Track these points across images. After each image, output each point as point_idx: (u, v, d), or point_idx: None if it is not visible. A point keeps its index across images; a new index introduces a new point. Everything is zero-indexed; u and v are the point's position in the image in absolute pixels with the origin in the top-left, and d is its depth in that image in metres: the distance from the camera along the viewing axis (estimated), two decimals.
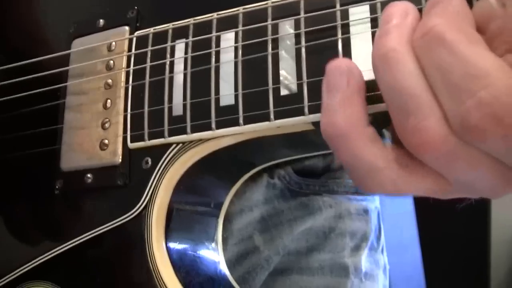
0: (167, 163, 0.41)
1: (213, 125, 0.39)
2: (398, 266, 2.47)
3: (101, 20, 0.47)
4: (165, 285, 0.40)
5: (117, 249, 0.43)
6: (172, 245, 0.41)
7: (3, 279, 0.47)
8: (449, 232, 3.11)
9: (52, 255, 0.45)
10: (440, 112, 0.29)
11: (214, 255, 0.45)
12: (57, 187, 0.46)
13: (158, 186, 0.41)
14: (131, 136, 0.42)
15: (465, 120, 0.27)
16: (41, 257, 0.46)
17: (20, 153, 0.48)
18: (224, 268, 0.45)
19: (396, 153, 0.31)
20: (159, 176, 0.41)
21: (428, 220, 2.93)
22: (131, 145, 0.42)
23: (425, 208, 2.90)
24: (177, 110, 0.41)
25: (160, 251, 0.41)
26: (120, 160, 0.43)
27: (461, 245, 3.11)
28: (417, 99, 0.29)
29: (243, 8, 0.39)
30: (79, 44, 0.47)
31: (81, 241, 0.44)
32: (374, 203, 0.62)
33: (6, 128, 0.49)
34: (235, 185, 0.45)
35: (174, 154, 0.41)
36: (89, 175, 0.44)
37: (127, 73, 0.44)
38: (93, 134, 0.44)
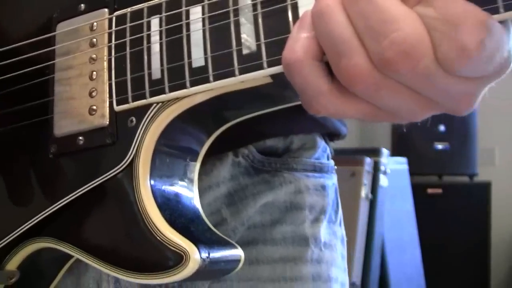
0: (149, 120, 0.48)
1: (188, 84, 0.46)
2: (398, 266, 2.55)
3: (82, 5, 0.53)
4: (153, 223, 0.47)
5: (110, 199, 0.50)
6: (157, 189, 0.49)
7: (6, 238, 0.53)
8: (449, 232, 3.18)
9: (49, 212, 0.52)
10: (364, 52, 0.37)
11: (191, 193, 0.52)
12: (51, 151, 0.52)
13: (143, 140, 0.48)
14: (116, 100, 0.49)
15: (382, 56, 0.36)
16: (40, 215, 0.52)
17: (15, 125, 0.55)
18: (198, 206, 0.52)
19: (338, 83, 0.39)
20: (143, 132, 0.48)
21: (428, 220, 3.01)
22: (117, 108, 0.49)
23: (425, 208, 2.98)
24: (156, 74, 0.48)
25: (147, 195, 0.48)
26: (107, 122, 0.50)
27: (461, 245, 3.19)
28: (346, 43, 0.37)
29: None
30: (63, 27, 0.54)
31: (75, 196, 0.50)
32: (331, 180, 0.70)
33: (1, 104, 0.55)
34: (211, 137, 0.53)
35: (155, 112, 0.48)
36: (80, 138, 0.51)
37: (109, 48, 0.51)
38: (82, 102, 0.51)
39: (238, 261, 0.51)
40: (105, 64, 0.51)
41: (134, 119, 0.49)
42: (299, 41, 0.40)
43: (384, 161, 2.30)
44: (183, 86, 0.46)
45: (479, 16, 0.35)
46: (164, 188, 0.50)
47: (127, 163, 0.49)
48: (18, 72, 0.55)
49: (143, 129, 0.48)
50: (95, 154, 0.50)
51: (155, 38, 0.48)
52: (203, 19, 0.46)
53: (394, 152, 2.95)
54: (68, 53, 0.53)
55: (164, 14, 0.48)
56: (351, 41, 0.37)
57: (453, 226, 3.17)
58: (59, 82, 0.53)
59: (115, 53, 0.50)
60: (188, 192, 0.52)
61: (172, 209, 0.49)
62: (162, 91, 0.47)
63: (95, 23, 0.52)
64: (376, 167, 2.25)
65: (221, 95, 0.47)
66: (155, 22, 0.49)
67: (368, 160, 2.22)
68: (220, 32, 0.46)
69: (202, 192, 0.60)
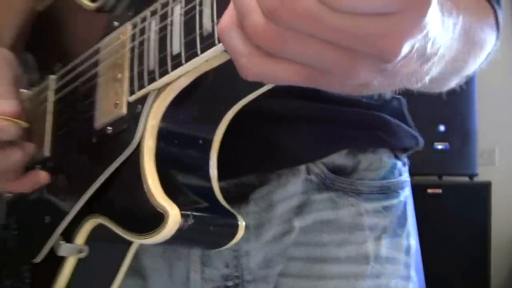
0: (150, 105, 0.57)
1: (169, 70, 0.54)
2: None
3: (115, 22, 0.65)
4: (151, 191, 0.54)
5: (126, 174, 0.59)
6: (162, 163, 0.56)
7: (71, 211, 0.65)
8: (449, 232, 3.00)
9: (93, 190, 0.63)
10: (259, 10, 0.41)
11: (201, 169, 0.59)
12: (93, 141, 0.64)
13: (146, 123, 0.57)
14: (129, 91, 0.59)
15: (265, 7, 0.39)
16: (87, 193, 0.63)
17: (79, 122, 0.68)
18: (211, 181, 0.58)
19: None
20: (146, 116, 0.57)
21: (428, 220, 2.78)
22: (130, 99, 0.59)
23: (425, 208, 2.74)
24: (151, 66, 0.57)
25: (150, 168, 0.56)
26: (125, 112, 0.60)
27: (461, 245, 3.00)
28: (246, 5, 0.42)
29: None
30: (104, 41, 0.66)
31: (106, 176, 0.61)
32: (398, 198, 0.75)
33: (70, 109, 0.70)
34: (223, 119, 0.59)
35: (153, 99, 0.57)
36: (109, 128, 0.62)
37: (128, 51, 0.61)
38: (110, 99, 0.62)
39: (236, 227, 0.56)
40: (126, 65, 0.61)
41: (140, 106, 0.58)
42: (228, 12, 0.45)
43: None
44: (167, 72, 0.55)
45: None
46: (169, 162, 0.57)
47: (135, 143, 0.58)
48: (80, 80, 0.68)
49: (145, 113, 0.57)
50: (118, 139, 0.60)
51: (153, 36, 0.57)
52: (180, 14, 0.54)
53: None
54: (104, 61, 0.64)
55: (159, 14, 0.57)
56: (249, 2, 0.42)
57: (453, 226, 3.04)
58: (99, 85, 0.65)
59: (130, 55, 0.60)
60: (198, 167, 0.59)
61: (174, 180, 0.57)
62: (154, 79, 0.56)
63: (121, 35, 0.63)
64: None
65: (199, 77, 0.54)
66: (153, 23, 0.58)
67: None
68: (190, 22, 0.53)
69: (276, 202, 0.70)
